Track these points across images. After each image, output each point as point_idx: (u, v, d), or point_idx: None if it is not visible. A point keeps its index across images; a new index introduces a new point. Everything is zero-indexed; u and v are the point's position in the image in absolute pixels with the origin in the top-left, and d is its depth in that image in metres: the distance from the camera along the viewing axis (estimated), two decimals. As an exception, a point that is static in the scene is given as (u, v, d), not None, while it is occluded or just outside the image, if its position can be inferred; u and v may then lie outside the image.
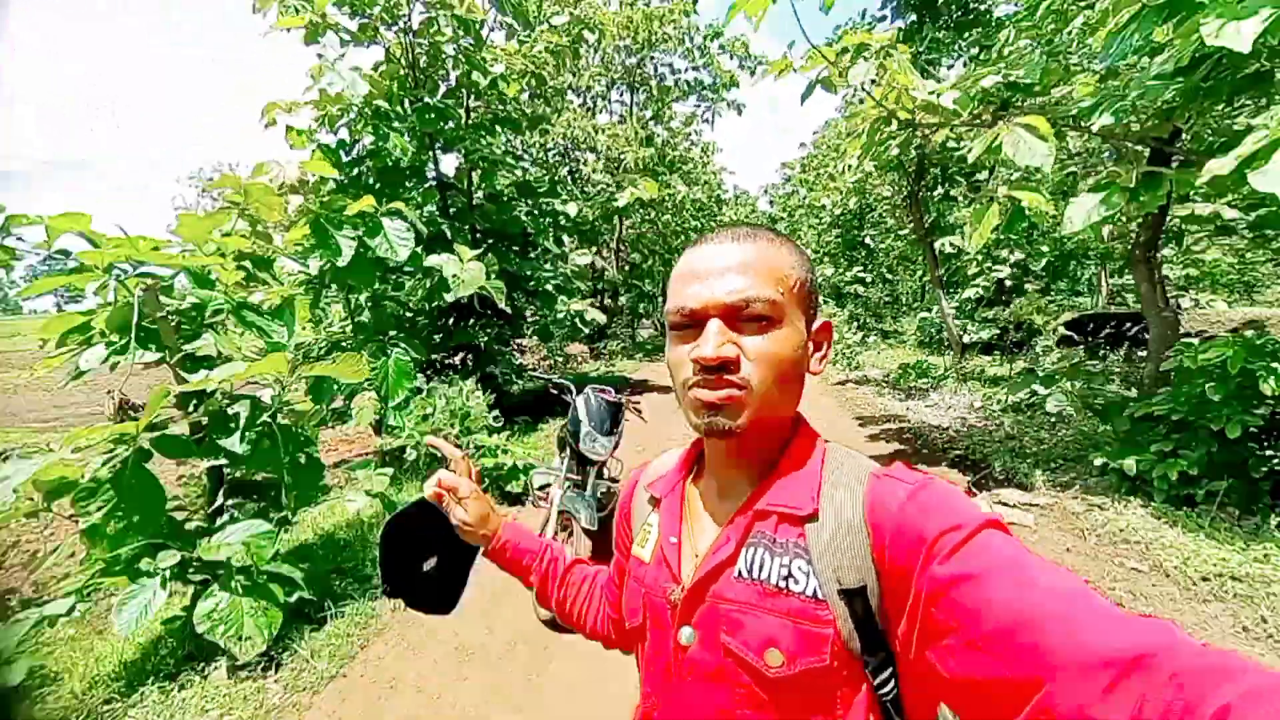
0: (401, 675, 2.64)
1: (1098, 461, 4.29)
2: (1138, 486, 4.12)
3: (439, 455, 0.97)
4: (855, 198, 12.36)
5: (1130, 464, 4.03)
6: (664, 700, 0.70)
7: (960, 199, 8.96)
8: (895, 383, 9.02)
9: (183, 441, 2.63)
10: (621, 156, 12.19)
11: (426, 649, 2.77)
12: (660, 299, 24.02)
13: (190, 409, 2.75)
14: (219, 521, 2.77)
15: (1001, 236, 7.38)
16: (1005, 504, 4.39)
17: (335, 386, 3.75)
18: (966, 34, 7.16)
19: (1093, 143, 6.49)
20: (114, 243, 2.72)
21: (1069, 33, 4.65)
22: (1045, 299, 8.06)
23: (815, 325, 0.68)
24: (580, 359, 14.54)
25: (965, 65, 7.46)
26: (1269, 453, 3.66)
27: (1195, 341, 4.12)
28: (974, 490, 4.65)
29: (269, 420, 2.80)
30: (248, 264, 3.34)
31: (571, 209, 7.99)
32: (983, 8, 7.03)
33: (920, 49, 6.96)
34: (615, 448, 3.29)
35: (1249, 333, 4.14)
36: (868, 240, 15.67)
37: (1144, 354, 7.00)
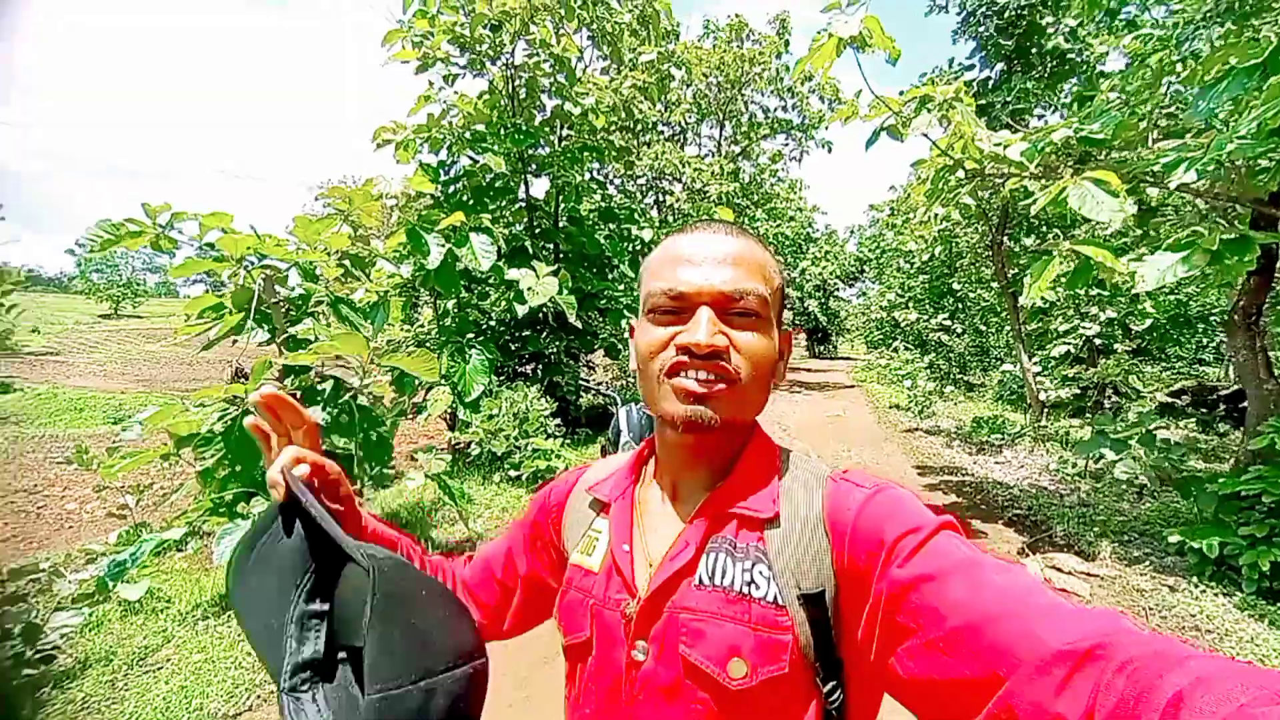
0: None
1: (1173, 539, 3.98)
2: (1222, 572, 3.79)
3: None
4: (941, 245, 12.04)
5: (1212, 546, 3.70)
6: None
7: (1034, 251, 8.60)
8: (967, 436, 8.64)
9: (279, 408, 3.07)
10: (706, 189, 12.52)
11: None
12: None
13: (290, 382, 3.20)
14: (300, 482, 3.18)
15: (1083, 292, 6.99)
16: (1059, 569, 4.15)
17: (417, 381, 4.17)
18: (1061, 85, 6.95)
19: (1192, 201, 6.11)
20: (242, 238, 3.24)
21: (1163, 88, 4.52)
22: (1133, 361, 7.50)
23: (781, 334, 0.67)
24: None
25: (1063, 116, 7.23)
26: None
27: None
28: (1027, 551, 4.43)
29: (349, 400, 3.20)
30: (347, 262, 3.82)
31: (647, 234, 8.35)
32: (1079, 59, 6.82)
33: (1008, 99, 6.83)
34: None
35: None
36: (955, 287, 15.08)
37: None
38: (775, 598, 0.58)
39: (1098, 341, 7.81)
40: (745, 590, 0.58)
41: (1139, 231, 5.12)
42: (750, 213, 14.69)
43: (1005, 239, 7.43)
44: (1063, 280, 3.56)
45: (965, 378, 16.47)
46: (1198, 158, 3.51)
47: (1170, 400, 6.84)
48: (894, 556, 0.52)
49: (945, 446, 8.25)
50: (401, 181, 5.51)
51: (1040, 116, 6.84)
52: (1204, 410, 8.15)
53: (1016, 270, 8.39)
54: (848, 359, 38.29)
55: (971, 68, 7.07)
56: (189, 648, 2.75)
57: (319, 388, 3.18)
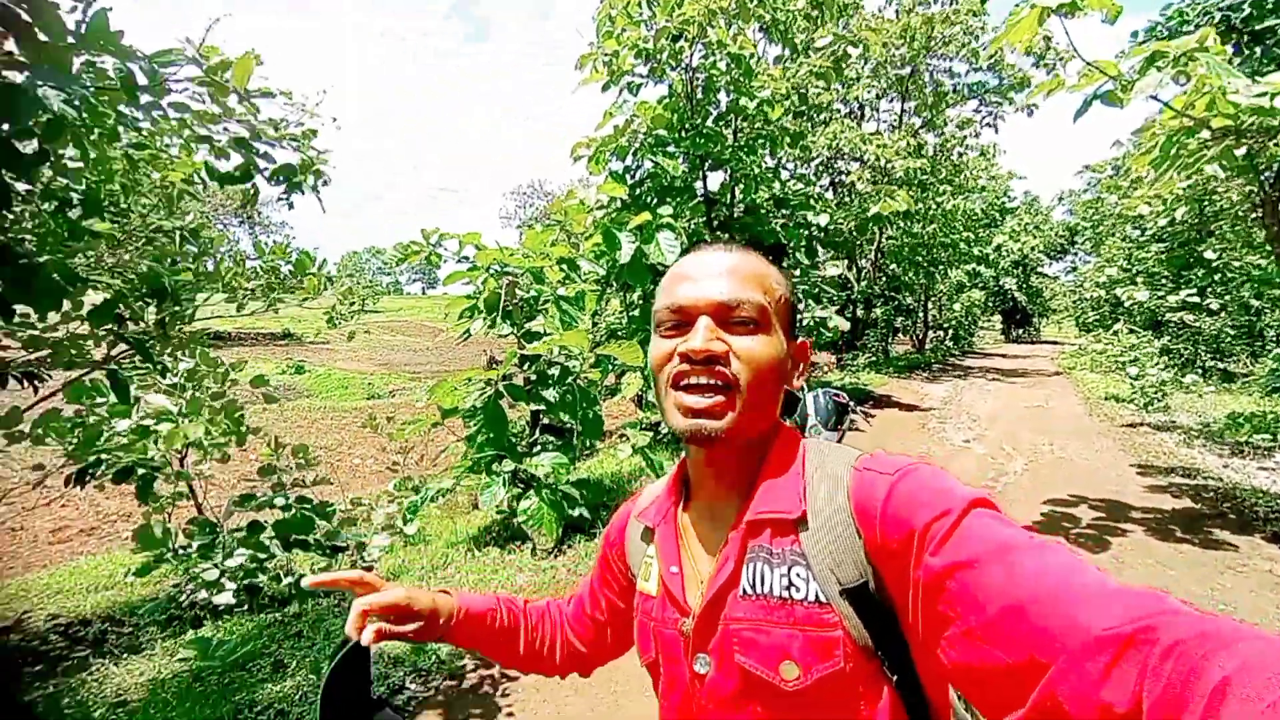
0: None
1: None
2: None
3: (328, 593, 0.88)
4: (1186, 205, 10.17)
5: None
6: None
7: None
8: (1218, 435, 7.38)
9: (521, 389, 3.80)
10: (889, 166, 11.92)
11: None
12: (921, 313, 22.40)
13: (526, 368, 3.94)
14: (535, 449, 3.91)
15: None
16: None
17: (612, 365, 4.77)
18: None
19: None
20: (490, 251, 4.01)
21: None
22: None
23: (794, 343, 0.71)
24: (826, 368, 14.57)
25: None
26: None
27: None
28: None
29: (572, 382, 3.85)
30: (565, 266, 4.51)
31: (823, 219, 8.31)
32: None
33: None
34: (839, 443, 3.64)
35: None
36: (1208, 256, 12.53)
37: None
38: (817, 596, 0.59)
39: None
40: (786, 594, 0.60)
41: None
42: (934, 188, 13.64)
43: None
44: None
45: (1221, 365, 13.74)
46: None
47: None
48: (927, 543, 0.53)
49: (1182, 445, 7.16)
50: (596, 190, 6.21)
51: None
52: None
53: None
54: (1053, 343, 33.56)
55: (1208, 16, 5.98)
56: (464, 568, 3.62)
57: (549, 372, 3.87)
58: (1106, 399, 10.61)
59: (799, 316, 0.76)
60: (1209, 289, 13.75)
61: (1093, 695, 0.38)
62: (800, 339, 0.73)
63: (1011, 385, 13.23)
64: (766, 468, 0.67)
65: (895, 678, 0.58)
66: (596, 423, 3.91)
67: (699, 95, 7.94)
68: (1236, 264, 12.54)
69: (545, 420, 4.18)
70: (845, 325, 7.83)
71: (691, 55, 7.54)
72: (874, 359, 16.90)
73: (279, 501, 3.48)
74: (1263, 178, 6.67)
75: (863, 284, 15.54)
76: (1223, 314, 13.65)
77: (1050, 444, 7.18)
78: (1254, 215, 8.67)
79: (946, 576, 0.50)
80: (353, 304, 3.81)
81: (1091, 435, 7.76)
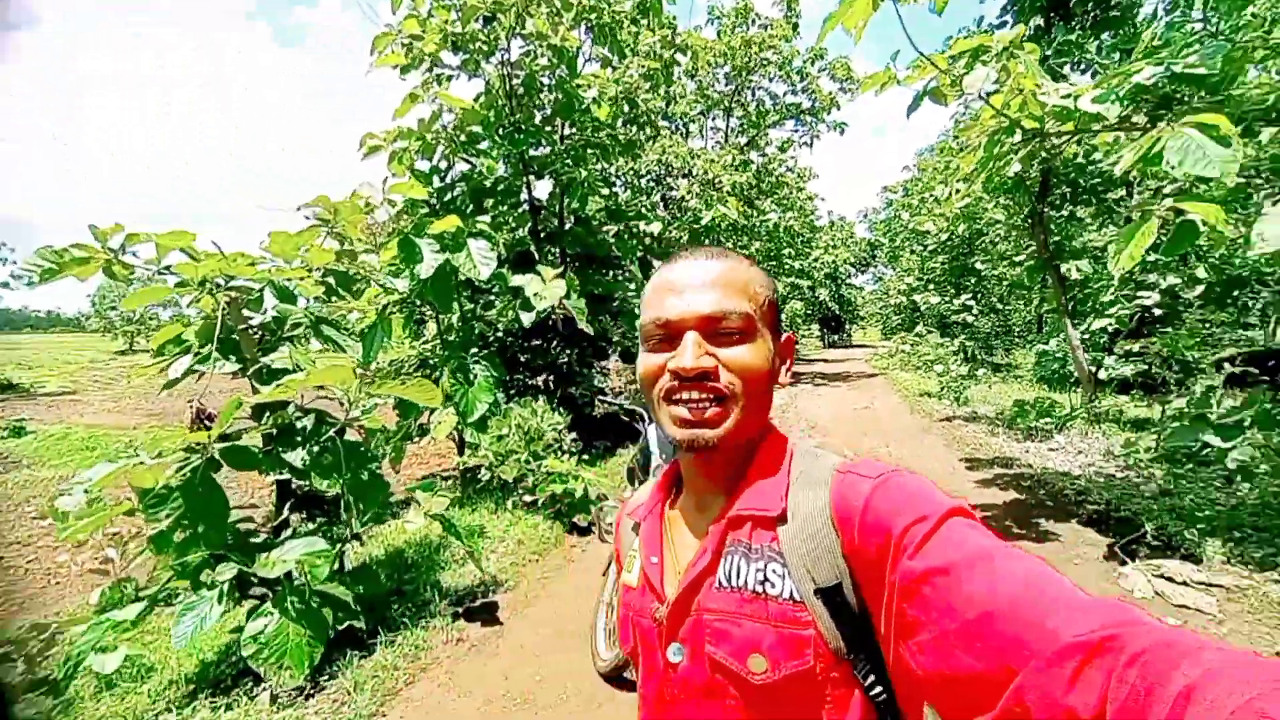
0: None
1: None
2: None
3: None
4: (964, 223, 11.49)
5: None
6: None
7: (1088, 219, 8.08)
8: (1010, 422, 8.09)
9: (251, 453, 2.63)
10: (717, 181, 12.03)
11: (474, 692, 2.60)
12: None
13: (262, 420, 2.78)
14: (282, 536, 2.76)
15: (1156, 259, 6.41)
16: (1171, 579, 3.58)
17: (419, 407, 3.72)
18: (1105, 33, 6.44)
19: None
20: (210, 260, 2.81)
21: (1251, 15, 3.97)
22: (1205, 331, 6.92)
23: (780, 340, 0.70)
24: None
25: (1100, 70, 6.71)
26: None
27: None
28: (1122, 557, 3.89)
29: (333, 436, 2.77)
30: (331, 280, 3.40)
31: (655, 228, 7.90)
32: (1125, 0, 6.31)
33: (1047, 53, 6.34)
34: None
35: None
36: (978, 267, 14.50)
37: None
38: (791, 593, 0.59)
39: (1156, 312, 7.22)
40: (760, 589, 0.60)
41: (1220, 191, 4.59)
42: (760, 204, 14.16)
43: (1046, 208, 6.89)
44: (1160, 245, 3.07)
45: (991, 359, 15.86)
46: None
47: (1245, 370, 6.18)
48: (904, 547, 0.52)
49: (989, 435, 7.72)
50: (385, 189, 5.10)
51: (1083, 70, 6.31)
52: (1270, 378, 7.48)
53: (1058, 241, 7.85)
54: (863, 346, 37.49)
55: (1003, 24, 6.60)
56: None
57: (298, 425, 2.75)
58: (921, 395, 11.47)
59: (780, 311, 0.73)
60: (977, 295, 15.93)
61: (1059, 700, 0.38)
62: (785, 334, 0.72)
63: (838, 389, 14.00)
64: (754, 467, 0.68)
65: (867, 683, 0.57)
66: (375, 487, 2.87)
67: (520, 93, 7.13)
68: (995, 273, 14.61)
69: (303, 489, 3.04)
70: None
71: (509, 47, 6.73)
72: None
73: None
74: (1031, 193, 7.50)
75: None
76: (983, 316, 15.90)
77: (887, 446, 7.33)
78: (1022, 227, 9.91)
79: (923, 581, 0.49)
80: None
81: (918, 433, 8.12)
